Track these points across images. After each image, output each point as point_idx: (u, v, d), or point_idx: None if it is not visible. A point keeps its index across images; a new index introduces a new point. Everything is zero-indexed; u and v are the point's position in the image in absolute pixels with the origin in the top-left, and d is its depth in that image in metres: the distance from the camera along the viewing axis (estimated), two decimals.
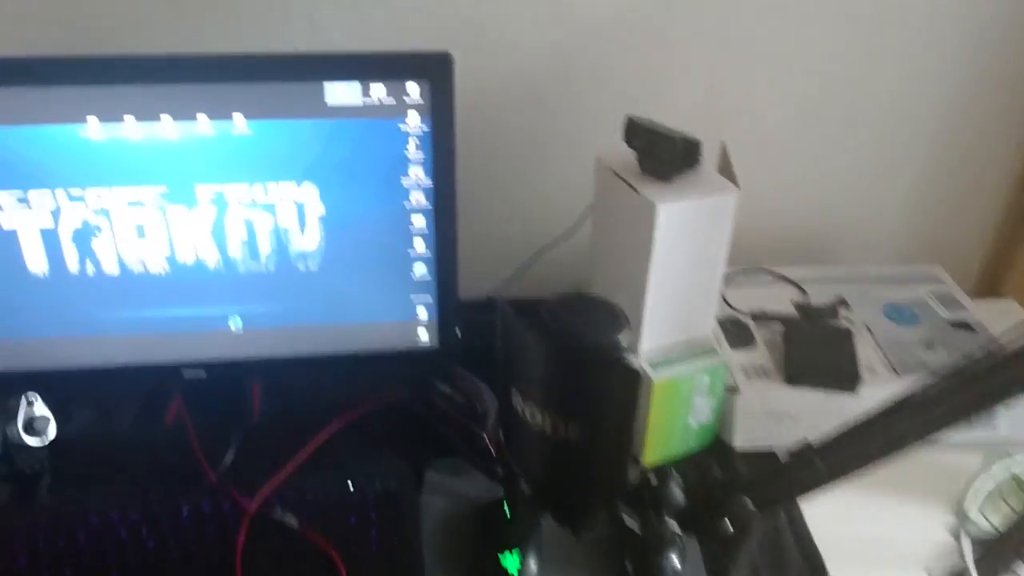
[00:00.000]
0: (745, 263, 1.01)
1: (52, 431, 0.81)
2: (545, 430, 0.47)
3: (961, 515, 0.66)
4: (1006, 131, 1.05)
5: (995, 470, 0.77)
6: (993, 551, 0.56)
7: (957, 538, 0.59)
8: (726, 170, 0.78)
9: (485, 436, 0.80)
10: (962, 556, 0.56)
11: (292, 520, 0.73)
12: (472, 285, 1.01)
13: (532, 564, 0.70)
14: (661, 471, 0.53)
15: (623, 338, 0.46)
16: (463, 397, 0.81)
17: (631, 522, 0.56)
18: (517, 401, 0.49)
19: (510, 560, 0.70)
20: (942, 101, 1.03)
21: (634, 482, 0.54)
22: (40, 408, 0.81)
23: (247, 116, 0.71)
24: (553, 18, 0.93)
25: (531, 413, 0.47)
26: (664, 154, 0.73)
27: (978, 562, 0.55)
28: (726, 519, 0.54)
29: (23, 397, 0.81)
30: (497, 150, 1.01)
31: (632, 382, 0.44)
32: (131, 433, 0.85)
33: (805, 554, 0.74)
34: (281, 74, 0.70)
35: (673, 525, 0.55)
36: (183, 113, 0.70)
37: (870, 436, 0.50)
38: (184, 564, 0.70)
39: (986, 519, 0.66)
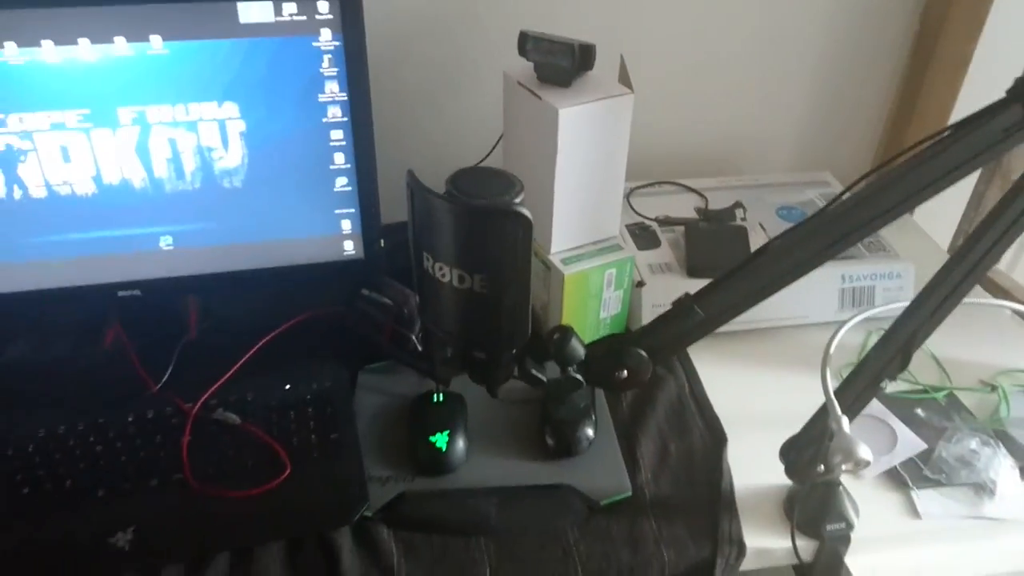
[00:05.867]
0: (650, 178, 1.08)
1: None
2: (455, 284, 0.53)
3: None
4: (888, 47, 1.14)
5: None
6: (849, 382, 0.65)
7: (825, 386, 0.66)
8: (624, 80, 0.84)
9: (412, 336, 0.85)
10: (825, 391, 0.64)
11: (233, 418, 0.78)
12: (394, 210, 1.07)
13: (460, 441, 0.77)
14: (561, 329, 0.60)
15: (517, 196, 0.52)
16: (391, 303, 0.87)
17: (539, 375, 0.63)
18: (428, 264, 0.54)
19: (440, 439, 0.76)
20: (828, 21, 1.11)
21: (541, 338, 0.61)
22: None
23: (164, 37, 0.74)
24: None
25: (442, 271, 0.53)
26: (561, 60, 0.79)
27: (837, 392, 0.63)
28: (624, 370, 0.61)
29: None
30: (409, 78, 1.05)
31: (526, 229, 0.50)
32: (71, 356, 0.88)
33: (706, 420, 0.83)
34: None
35: (577, 377, 0.61)
36: (101, 36, 0.73)
37: (740, 282, 0.58)
38: (132, 465, 0.74)
39: None
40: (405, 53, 1.02)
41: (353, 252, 0.88)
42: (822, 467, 0.66)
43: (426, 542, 0.71)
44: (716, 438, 0.81)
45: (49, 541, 0.69)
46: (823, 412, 0.66)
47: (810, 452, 0.67)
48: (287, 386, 0.82)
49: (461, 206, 0.50)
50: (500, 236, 0.50)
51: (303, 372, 0.84)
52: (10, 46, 0.71)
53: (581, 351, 0.61)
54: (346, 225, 0.87)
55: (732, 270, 0.58)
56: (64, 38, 0.72)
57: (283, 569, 0.69)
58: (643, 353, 0.60)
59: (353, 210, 0.86)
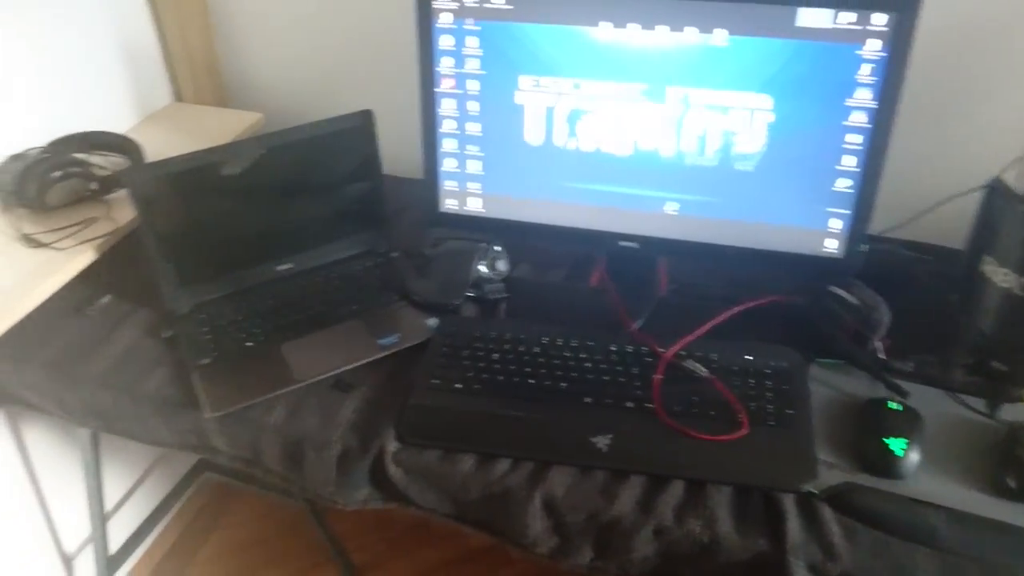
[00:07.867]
0: None
1: (506, 269, 1.04)
2: (1015, 291, 0.55)
3: None
4: None
5: None
6: None
7: None
8: None
9: (877, 342, 0.88)
10: None
11: (702, 370, 0.87)
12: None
13: (915, 453, 0.78)
14: None
15: None
16: (859, 304, 0.90)
17: None
18: (988, 266, 0.57)
19: (896, 444, 0.78)
20: None
21: None
22: (500, 251, 1.04)
23: (729, 32, 0.84)
24: None
25: (1004, 276, 0.55)
26: None
27: None
28: None
29: (489, 243, 1.04)
30: (930, 90, 1.04)
31: None
32: (564, 284, 1.06)
33: None
34: None
35: None
36: (676, 25, 0.85)
37: None
38: (613, 385, 0.88)
39: None
40: (929, 68, 1.02)
41: (833, 250, 0.93)
42: None
43: (867, 534, 0.74)
44: None
45: (546, 423, 0.85)
46: None
47: None
48: (748, 356, 0.90)
49: None
50: None
51: (763, 348, 0.91)
52: (605, 25, 0.87)
53: None
54: (834, 224, 0.91)
55: None
56: (647, 23, 0.86)
57: (731, 510, 0.77)
58: None
59: (846, 211, 0.90)
